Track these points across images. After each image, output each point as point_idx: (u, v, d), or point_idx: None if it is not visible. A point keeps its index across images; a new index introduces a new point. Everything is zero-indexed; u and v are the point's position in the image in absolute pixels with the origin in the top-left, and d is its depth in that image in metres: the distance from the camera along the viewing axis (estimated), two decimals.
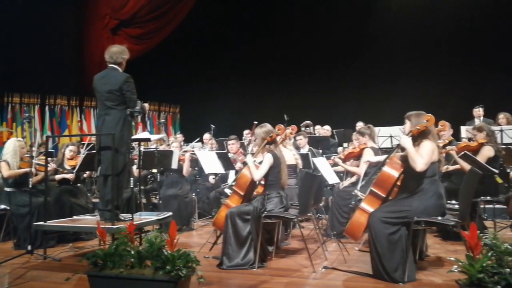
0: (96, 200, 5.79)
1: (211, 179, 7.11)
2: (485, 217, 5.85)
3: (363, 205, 3.86)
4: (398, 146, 3.95)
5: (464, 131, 7.22)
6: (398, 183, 3.90)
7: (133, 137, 4.74)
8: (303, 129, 8.57)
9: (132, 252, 3.04)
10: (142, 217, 4.80)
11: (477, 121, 7.80)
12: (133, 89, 4.38)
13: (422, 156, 3.64)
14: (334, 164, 5.90)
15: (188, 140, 9.03)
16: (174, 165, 6.33)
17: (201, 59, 12.00)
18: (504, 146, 5.67)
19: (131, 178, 4.79)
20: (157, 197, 7.11)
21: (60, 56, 11.15)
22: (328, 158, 6.01)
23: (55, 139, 9.55)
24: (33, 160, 5.13)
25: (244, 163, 5.03)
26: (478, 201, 5.09)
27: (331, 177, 5.37)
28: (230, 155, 6.91)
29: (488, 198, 5.27)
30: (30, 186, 4.91)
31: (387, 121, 7.42)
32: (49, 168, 5.28)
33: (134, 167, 5.97)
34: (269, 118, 5.25)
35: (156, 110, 13.20)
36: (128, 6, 12.03)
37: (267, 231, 4.55)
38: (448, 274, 3.24)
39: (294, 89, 11.72)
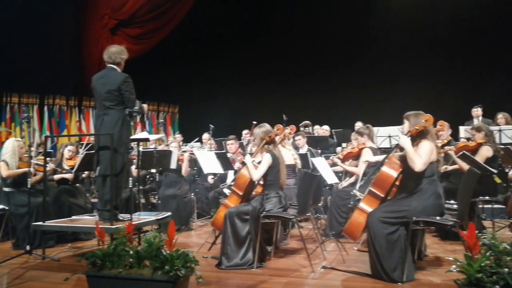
0: (95, 200, 5.77)
1: (210, 179, 7.10)
2: (483, 217, 5.84)
3: (362, 205, 3.86)
4: (397, 146, 3.94)
5: (463, 131, 7.23)
6: (397, 183, 3.90)
7: (132, 137, 4.73)
8: (302, 129, 8.58)
9: (131, 252, 3.04)
10: (141, 217, 4.81)
11: (475, 121, 7.79)
12: (131, 89, 4.38)
13: (421, 156, 3.65)
14: (333, 164, 5.90)
15: (187, 140, 9.03)
16: (173, 165, 6.33)
17: (200, 59, 11.99)
18: (502, 146, 5.67)
19: (130, 178, 4.78)
20: (156, 197, 7.11)
21: (59, 56, 11.14)
22: (327, 158, 6.02)
23: (54, 139, 9.51)
24: (32, 160, 5.13)
25: (243, 163, 5.03)
26: (476, 201, 5.09)
27: (330, 177, 5.36)
28: (229, 155, 6.92)
29: (487, 198, 5.26)
30: (28, 186, 4.90)
31: (386, 121, 7.40)
32: (47, 168, 5.29)
33: (133, 167, 5.97)
34: (268, 118, 5.25)
35: (155, 110, 13.19)
36: (127, 6, 12.02)
37: (266, 231, 4.56)
38: (446, 274, 3.25)
39: (293, 89, 11.71)
